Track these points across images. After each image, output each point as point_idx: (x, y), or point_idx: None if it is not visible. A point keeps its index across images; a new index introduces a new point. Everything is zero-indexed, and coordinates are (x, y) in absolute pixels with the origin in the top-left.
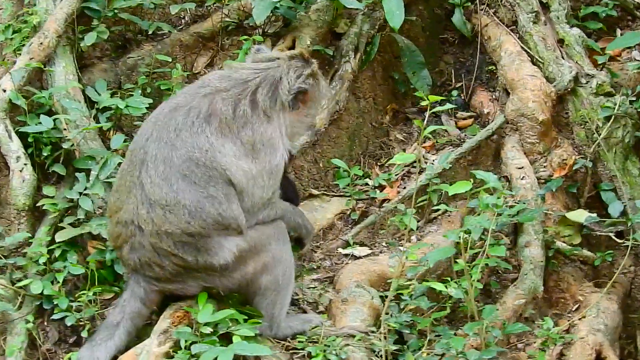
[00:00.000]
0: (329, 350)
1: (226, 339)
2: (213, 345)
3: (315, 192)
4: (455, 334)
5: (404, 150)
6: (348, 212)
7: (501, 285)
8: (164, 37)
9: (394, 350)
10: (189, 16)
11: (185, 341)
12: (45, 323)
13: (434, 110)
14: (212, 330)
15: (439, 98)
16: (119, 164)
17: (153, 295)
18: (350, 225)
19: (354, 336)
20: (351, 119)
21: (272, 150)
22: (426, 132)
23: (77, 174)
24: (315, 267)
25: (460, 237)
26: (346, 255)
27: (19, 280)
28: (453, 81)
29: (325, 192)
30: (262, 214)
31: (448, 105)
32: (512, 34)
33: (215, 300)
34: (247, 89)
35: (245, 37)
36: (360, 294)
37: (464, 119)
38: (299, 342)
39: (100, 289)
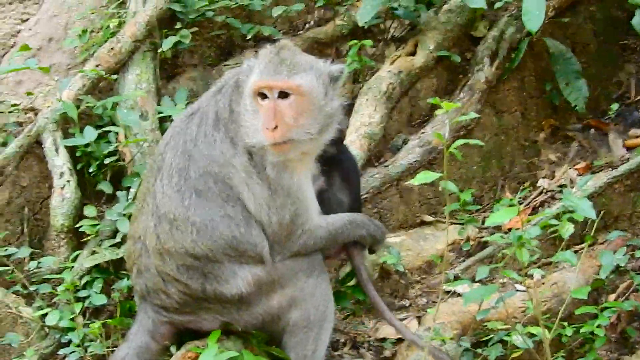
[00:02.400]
0: None
1: None
2: None
3: (428, 218)
4: None
5: (554, 172)
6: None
7: None
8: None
9: None
10: (314, 20)
11: None
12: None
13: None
14: None
15: (455, 105)
16: None
17: (163, 328)
18: (463, 258)
19: None
20: (487, 136)
21: None
22: (451, 148)
23: (117, 193)
24: (406, 305)
25: None
26: (448, 292)
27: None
28: (632, 93)
29: (440, 219)
30: (298, 245)
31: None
32: None
33: (241, 340)
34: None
35: (355, 40)
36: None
37: (637, 137)
38: None
39: (112, 321)
